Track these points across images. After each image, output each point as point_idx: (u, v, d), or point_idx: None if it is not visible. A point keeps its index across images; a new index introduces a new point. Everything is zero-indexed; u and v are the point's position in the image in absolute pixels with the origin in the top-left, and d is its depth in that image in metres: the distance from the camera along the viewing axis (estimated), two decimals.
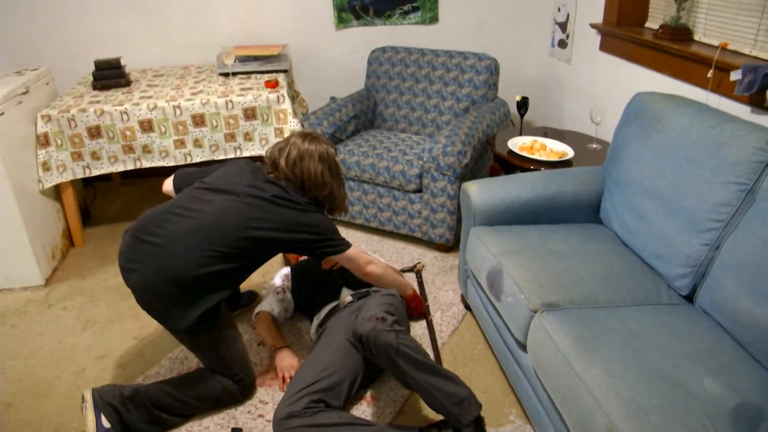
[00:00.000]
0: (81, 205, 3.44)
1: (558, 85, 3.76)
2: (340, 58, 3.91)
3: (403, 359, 1.83)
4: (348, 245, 2.16)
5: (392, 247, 3.14)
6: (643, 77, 2.85)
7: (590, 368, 1.57)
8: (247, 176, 2.05)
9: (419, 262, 2.94)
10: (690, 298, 1.97)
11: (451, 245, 3.06)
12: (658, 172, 2.09)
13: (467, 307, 2.65)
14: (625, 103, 3.01)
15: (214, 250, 1.87)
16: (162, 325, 1.95)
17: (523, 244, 2.18)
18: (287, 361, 2.25)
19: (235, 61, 3.39)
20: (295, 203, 2.02)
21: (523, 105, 3.00)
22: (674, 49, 2.56)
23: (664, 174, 2.06)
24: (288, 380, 2.19)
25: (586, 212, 2.45)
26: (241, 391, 2.10)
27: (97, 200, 3.78)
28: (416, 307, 2.51)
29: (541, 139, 2.91)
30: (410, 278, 2.85)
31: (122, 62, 3.33)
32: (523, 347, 1.93)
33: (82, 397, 1.93)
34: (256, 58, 3.48)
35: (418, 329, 2.50)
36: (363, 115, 3.50)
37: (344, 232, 3.28)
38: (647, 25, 3.02)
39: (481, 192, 2.37)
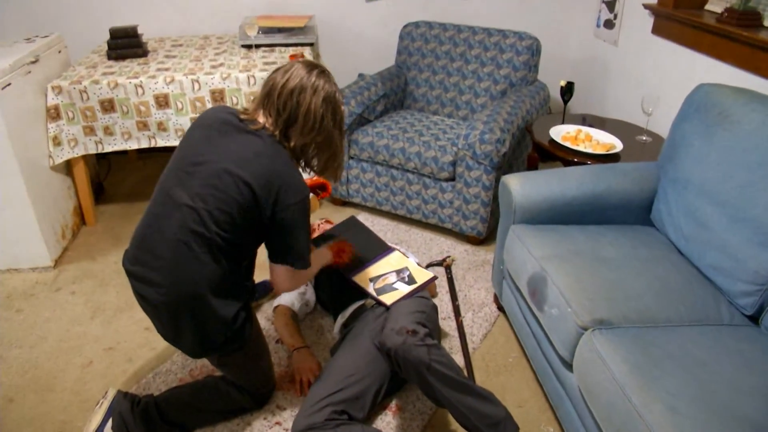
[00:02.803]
0: (94, 181, 3.29)
1: (602, 69, 3.50)
2: (369, 32, 3.67)
3: (435, 376, 1.66)
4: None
5: (420, 237, 2.96)
6: (702, 66, 2.60)
7: (651, 403, 1.38)
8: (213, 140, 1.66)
9: (449, 256, 2.75)
10: (754, 318, 1.77)
11: (483, 238, 2.87)
12: (723, 174, 1.87)
13: (500, 308, 2.47)
14: (679, 93, 2.77)
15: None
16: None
17: (569, 248, 1.99)
18: (306, 364, 2.09)
19: (258, 33, 3.18)
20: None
21: (567, 90, 2.77)
22: (741, 36, 2.31)
23: (731, 177, 1.84)
24: (306, 384, 2.03)
25: (636, 213, 2.24)
26: (259, 402, 1.95)
27: (111, 175, 3.62)
28: (341, 257, 2.15)
29: (586, 129, 2.68)
30: (439, 272, 2.67)
31: (139, 31, 3.14)
32: (569, 366, 1.75)
33: (105, 393, 1.80)
34: (280, 30, 3.27)
35: (447, 329, 2.32)
36: (393, 94, 3.28)
37: (370, 219, 3.10)
38: (707, 7, 2.76)
39: (523, 187, 2.17)
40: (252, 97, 2.83)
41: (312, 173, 1.86)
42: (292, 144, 1.69)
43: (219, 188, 1.57)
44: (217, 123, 1.69)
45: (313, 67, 1.71)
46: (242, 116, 1.69)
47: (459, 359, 2.19)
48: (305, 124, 1.67)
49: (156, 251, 1.62)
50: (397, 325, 1.74)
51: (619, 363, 1.51)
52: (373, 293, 2.08)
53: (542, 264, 1.92)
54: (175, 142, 2.90)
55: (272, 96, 1.66)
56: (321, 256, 2.07)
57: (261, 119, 1.69)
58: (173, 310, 1.62)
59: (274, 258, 1.72)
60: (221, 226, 1.58)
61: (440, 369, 1.65)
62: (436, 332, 1.97)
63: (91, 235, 3.01)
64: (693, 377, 1.45)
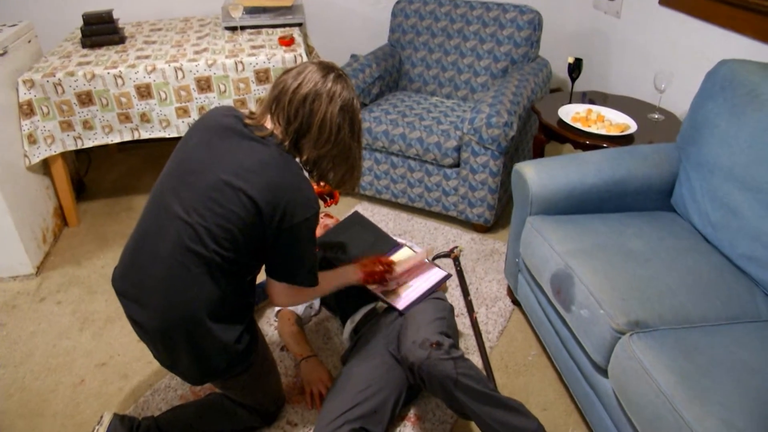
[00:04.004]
0: (74, 178, 3.10)
1: (603, 43, 3.35)
2: (360, 9, 3.48)
3: (463, 391, 1.53)
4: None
5: (423, 227, 2.82)
6: (717, 39, 2.46)
7: (704, 418, 1.27)
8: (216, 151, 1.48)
9: (456, 246, 2.62)
10: None
11: (489, 226, 2.74)
12: (755, 158, 1.75)
13: (515, 302, 2.35)
14: (691, 69, 2.63)
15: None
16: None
17: (593, 241, 1.86)
18: (316, 374, 1.96)
19: (242, 14, 2.98)
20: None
21: (576, 67, 2.62)
22: (762, 6, 2.18)
23: (765, 161, 1.72)
24: (317, 396, 1.90)
25: (656, 198, 2.12)
26: (268, 420, 1.81)
27: (92, 170, 3.42)
28: (376, 275, 1.90)
29: (597, 108, 2.54)
30: (447, 264, 2.54)
31: (115, 15, 2.92)
32: (602, 371, 1.64)
33: (100, 418, 1.64)
34: (265, 10, 3.08)
35: (461, 327, 2.20)
36: (387, 75, 3.11)
37: (369, 208, 2.96)
38: None
39: (539, 176, 2.03)
40: (255, 98, 2.65)
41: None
42: (304, 157, 1.52)
43: (219, 202, 1.40)
44: (219, 127, 1.51)
45: (329, 69, 1.51)
46: (247, 121, 1.51)
47: (476, 359, 2.08)
48: (320, 135, 1.49)
49: (148, 270, 1.46)
50: (419, 338, 1.61)
51: (665, 372, 1.39)
52: (384, 296, 1.95)
53: (566, 260, 1.79)
54: (161, 134, 2.72)
55: (282, 101, 1.47)
56: (346, 275, 1.83)
57: (269, 125, 1.51)
58: (168, 336, 1.46)
59: (272, 274, 1.56)
60: (221, 244, 1.41)
61: (468, 383, 1.53)
62: (456, 337, 1.85)
63: (74, 236, 2.83)
64: (746, 386, 1.34)
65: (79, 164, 3.32)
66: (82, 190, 3.19)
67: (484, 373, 2.02)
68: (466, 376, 1.54)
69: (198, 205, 1.42)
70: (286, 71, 1.53)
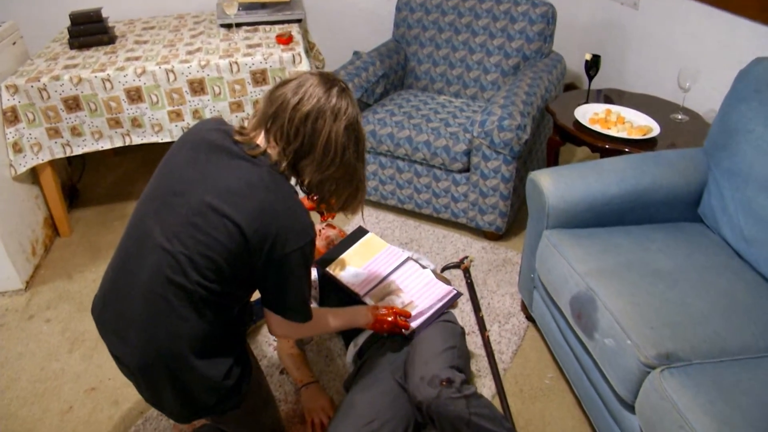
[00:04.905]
0: (66, 184, 2.97)
1: (619, 37, 3.17)
2: (363, 3, 3.32)
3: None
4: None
5: (431, 234, 2.67)
6: (745, 33, 2.29)
7: None
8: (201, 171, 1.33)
9: (467, 257, 2.48)
10: None
11: (502, 233, 2.59)
12: None
13: (529, 317, 2.21)
14: (716, 66, 2.46)
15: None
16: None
17: (616, 259, 1.71)
18: (317, 402, 1.83)
19: (238, 10, 2.83)
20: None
21: (593, 65, 2.46)
22: None
23: None
24: (319, 426, 1.77)
25: (681, 208, 1.97)
26: None
27: (86, 175, 3.29)
28: (386, 324, 1.74)
29: (616, 109, 2.38)
30: (456, 276, 2.40)
31: (104, 14, 2.78)
32: (629, 406, 1.50)
33: None
34: (263, 6, 2.92)
35: (472, 347, 2.06)
36: (392, 73, 2.95)
37: (374, 214, 2.81)
38: None
39: (556, 186, 1.88)
40: (253, 100, 2.51)
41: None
42: (306, 180, 1.38)
43: (202, 229, 1.26)
44: (206, 143, 1.36)
45: (332, 83, 1.36)
46: (237, 138, 1.36)
47: (488, 382, 1.94)
48: (324, 156, 1.33)
49: (127, 301, 1.32)
50: (427, 373, 1.47)
51: (702, 416, 1.25)
52: None
53: (588, 282, 1.65)
54: (154, 139, 2.58)
55: (280, 118, 1.31)
56: (356, 317, 1.70)
57: (261, 143, 1.36)
58: (149, 373, 1.32)
59: (266, 305, 1.42)
60: (205, 275, 1.26)
61: (482, 423, 1.40)
62: (467, 366, 1.70)
63: (66, 247, 2.71)
64: None
65: (72, 170, 3.19)
66: (75, 197, 3.06)
67: (498, 399, 1.88)
68: (480, 416, 1.41)
69: (180, 231, 1.28)
70: (283, 83, 1.37)
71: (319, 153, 1.33)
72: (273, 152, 1.34)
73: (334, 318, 1.60)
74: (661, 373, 1.37)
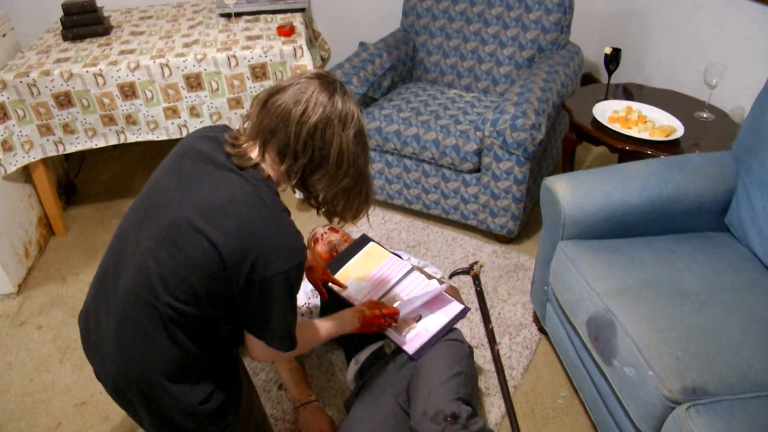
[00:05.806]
0: (63, 180, 2.87)
1: (640, 27, 2.99)
2: None
3: None
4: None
5: (440, 237, 2.55)
6: None
7: None
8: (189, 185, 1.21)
9: (477, 262, 2.35)
10: None
11: (513, 237, 2.46)
12: None
13: (541, 329, 2.09)
14: (746, 60, 2.30)
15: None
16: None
17: (638, 277, 1.59)
18: (317, 424, 1.73)
19: None
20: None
21: (613, 59, 2.31)
22: None
23: None
24: None
25: (707, 217, 1.83)
26: None
27: (84, 169, 3.19)
28: (374, 325, 1.63)
29: (638, 107, 2.23)
30: (465, 282, 2.28)
31: (100, 3, 2.65)
32: None
33: None
34: None
35: (480, 361, 1.95)
36: (400, 65, 2.81)
37: (380, 215, 2.69)
38: None
39: (573, 194, 1.74)
40: (252, 96, 2.38)
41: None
42: (320, 196, 1.27)
43: (177, 245, 1.14)
44: (193, 152, 1.24)
45: (332, 85, 1.22)
46: (229, 149, 1.23)
47: (498, 401, 1.83)
48: (337, 169, 1.22)
49: (105, 318, 1.23)
50: (430, 407, 1.36)
51: None
52: (394, 334, 1.70)
53: (607, 302, 1.52)
54: (150, 137, 2.47)
55: (282, 133, 1.18)
56: (342, 324, 1.56)
57: (254, 155, 1.22)
58: (123, 395, 1.24)
59: (247, 328, 1.29)
60: (175, 296, 1.15)
61: None
62: (474, 391, 1.59)
63: (61, 247, 2.62)
64: None
65: (69, 164, 3.10)
66: (72, 193, 2.96)
67: (508, 420, 1.77)
68: None
69: (155, 246, 1.17)
70: (279, 89, 1.22)
71: (332, 166, 1.21)
72: (266, 166, 1.22)
73: (319, 331, 1.49)
74: (686, 411, 1.25)
